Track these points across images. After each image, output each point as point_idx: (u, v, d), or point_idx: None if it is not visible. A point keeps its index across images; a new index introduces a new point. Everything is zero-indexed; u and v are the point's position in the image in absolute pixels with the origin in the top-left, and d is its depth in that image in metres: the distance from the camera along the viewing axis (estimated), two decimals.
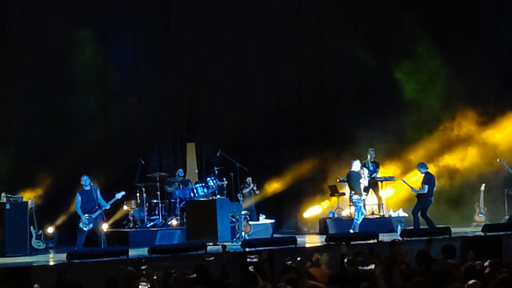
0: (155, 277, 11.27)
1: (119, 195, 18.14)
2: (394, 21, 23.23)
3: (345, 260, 12.06)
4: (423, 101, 23.02)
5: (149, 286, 11.42)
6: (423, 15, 23.35)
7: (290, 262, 12.34)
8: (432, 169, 20.87)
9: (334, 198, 22.12)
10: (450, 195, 22.48)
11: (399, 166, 22.69)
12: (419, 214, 19.72)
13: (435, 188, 19.96)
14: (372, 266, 10.54)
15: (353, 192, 19.64)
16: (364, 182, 19.60)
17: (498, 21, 23.40)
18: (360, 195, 19.55)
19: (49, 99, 21.01)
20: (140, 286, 11.53)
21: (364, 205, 20.30)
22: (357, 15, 23.74)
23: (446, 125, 23.00)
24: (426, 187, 19.62)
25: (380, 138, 22.52)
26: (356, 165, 19.66)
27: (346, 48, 23.46)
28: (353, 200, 19.73)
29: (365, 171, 19.97)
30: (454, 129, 22.86)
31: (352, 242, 16.27)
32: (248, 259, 12.70)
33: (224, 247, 12.83)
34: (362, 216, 19.66)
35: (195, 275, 11.13)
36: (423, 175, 19.75)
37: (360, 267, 10.85)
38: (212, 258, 12.69)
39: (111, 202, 18.06)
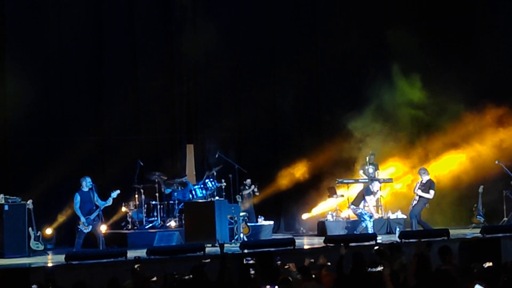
0: (154, 279, 11.25)
1: (114, 194, 18.08)
2: (392, 24, 23.20)
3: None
4: (421, 103, 23.00)
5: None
6: (422, 20, 23.42)
7: (279, 262, 12.36)
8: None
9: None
10: (449, 197, 22.49)
11: (398, 168, 22.70)
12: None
13: None
14: (381, 268, 10.55)
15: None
16: (372, 200, 19.86)
17: (497, 25, 23.45)
18: (357, 205, 19.73)
19: (45, 100, 21.00)
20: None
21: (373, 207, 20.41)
22: (355, 18, 23.78)
23: (445, 127, 23.00)
24: (433, 192, 19.66)
25: (379, 140, 22.53)
26: (374, 186, 19.92)
27: (343, 49, 23.54)
28: (357, 213, 19.92)
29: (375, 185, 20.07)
30: (452, 131, 22.86)
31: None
32: (245, 261, 12.66)
33: (222, 246, 12.79)
34: (370, 219, 19.61)
35: (191, 275, 11.13)
36: (426, 180, 19.72)
37: (368, 269, 10.85)
38: (208, 260, 12.65)
39: (107, 202, 18.01)
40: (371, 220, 19.57)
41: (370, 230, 19.29)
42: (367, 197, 19.62)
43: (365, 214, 19.60)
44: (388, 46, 23.05)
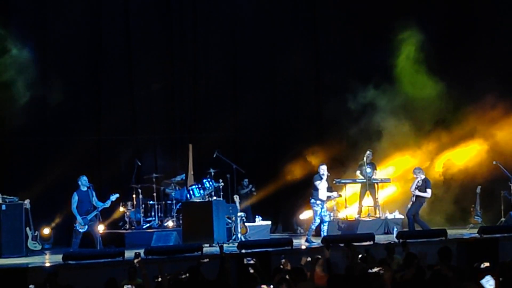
0: (159, 279, 11.22)
1: (113, 197, 18.06)
2: (391, 22, 23.14)
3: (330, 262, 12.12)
4: (421, 101, 22.94)
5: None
6: (422, 16, 23.37)
7: (284, 260, 12.35)
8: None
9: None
10: (446, 197, 22.50)
11: (396, 167, 22.69)
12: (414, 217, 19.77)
13: None
14: (379, 269, 10.55)
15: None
16: (319, 184, 19.09)
17: (497, 19, 23.41)
18: (315, 198, 19.06)
19: (43, 99, 20.99)
20: (125, 287, 11.53)
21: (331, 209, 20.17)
22: (354, 17, 23.74)
23: (443, 126, 22.98)
24: (430, 191, 19.67)
25: (377, 139, 22.52)
26: (319, 169, 19.37)
27: (343, 48, 23.53)
28: (311, 203, 19.34)
29: (324, 176, 19.08)
30: (451, 130, 22.85)
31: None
32: (245, 261, 12.65)
33: (221, 247, 12.77)
34: (325, 223, 19.08)
35: (187, 274, 11.12)
36: (421, 179, 19.70)
37: (369, 270, 10.85)
38: (207, 260, 12.64)
39: (105, 204, 17.98)
40: (318, 222, 19.07)
41: (325, 233, 19.01)
42: (316, 183, 18.97)
43: (326, 215, 19.13)
44: (391, 41, 23.04)
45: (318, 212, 18.98)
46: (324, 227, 19.06)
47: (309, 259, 12.63)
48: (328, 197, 19.56)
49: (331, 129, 23.43)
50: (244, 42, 23.49)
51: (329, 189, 19.57)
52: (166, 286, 10.98)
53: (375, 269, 10.58)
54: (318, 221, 19.05)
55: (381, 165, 22.48)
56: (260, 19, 23.65)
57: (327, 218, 19.17)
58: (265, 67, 23.67)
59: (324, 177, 19.08)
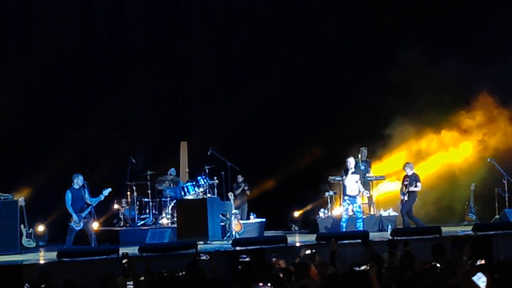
0: (141, 278, 11.23)
1: (105, 192, 18.00)
2: (382, 21, 23.17)
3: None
4: (413, 99, 22.94)
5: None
6: (412, 14, 23.41)
7: (275, 259, 12.36)
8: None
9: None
10: (440, 194, 22.51)
11: (390, 165, 22.70)
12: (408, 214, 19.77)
13: None
14: (365, 267, 10.53)
15: None
16: (346, 180, 19.23)
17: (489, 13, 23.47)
18: (343, 194, 19.38)
19: (37, 96, 20.98)
20: (128, 286, 11.53)
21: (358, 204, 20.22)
22: (346, 17, 23.77)
23: (437, 123, 23.00)
24: (420, 184, 19.67)
25: (371, 137, 22.52)
26: (346, 163, 19.47)
27: (335, 48, 23.55)
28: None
29: (351, 170, 19.32)
30: (445, 128, 22.88)
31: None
32: (240, 259, 12.65)
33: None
34: (358, 219, 19.33)
35: (184, 272, 11.12)
36: (411, 174, 19.70)
37: (354, 268, 10.84)
38: (205, 257, 12.63)
39: (98, 199, 17.95)
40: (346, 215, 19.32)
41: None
42: (342, 178, 19.24)
43: (358, 212, 19.35)
44: (382, 45, 23.06)
45: (345, 208, 19.24)
46: (358, 224, 19.15)
47: (308, 251, 12.65)
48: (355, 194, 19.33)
49: (325, 127, 23.42)
50: (237, 40, 23.49)
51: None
52: (149, 284, 11.01)
53: (363, 267, 10.58)
54: (345, 217, 19.25)
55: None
56: (253, 17, 23.65)
57: (359, 215, 19.31)
58: (258, 65, 23.66)
59: (350, 171, 19.10)
